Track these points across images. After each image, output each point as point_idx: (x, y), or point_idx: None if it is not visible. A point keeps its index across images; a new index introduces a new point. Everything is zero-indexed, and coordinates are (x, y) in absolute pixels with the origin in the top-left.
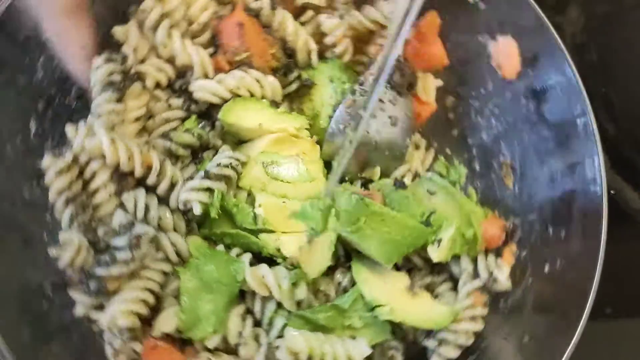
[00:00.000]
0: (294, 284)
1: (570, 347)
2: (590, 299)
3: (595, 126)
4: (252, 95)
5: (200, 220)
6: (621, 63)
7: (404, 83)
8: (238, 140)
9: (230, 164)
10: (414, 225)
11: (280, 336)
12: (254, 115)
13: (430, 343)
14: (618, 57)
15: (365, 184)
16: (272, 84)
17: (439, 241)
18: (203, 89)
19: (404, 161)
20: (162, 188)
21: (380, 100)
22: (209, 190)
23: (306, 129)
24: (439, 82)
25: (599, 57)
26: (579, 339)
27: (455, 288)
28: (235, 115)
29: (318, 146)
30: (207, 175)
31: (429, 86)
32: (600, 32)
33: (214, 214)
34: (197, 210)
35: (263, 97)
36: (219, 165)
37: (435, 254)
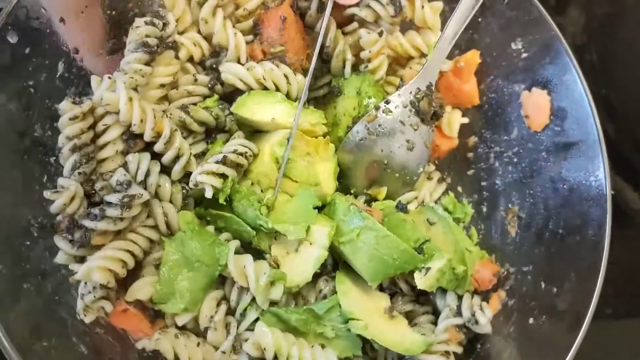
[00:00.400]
0: (272, 283)
1: None
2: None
3: (609, 193)
4: (277, 89)
5: (198, 198)
6: (621, 64)
7: (429, 111)
8: (253, 130)
9: (246, 152)
10: (405, 249)
11: (250, 329)
12: (267, 109)
13: None
14: (618, 58)
15: (370, 201)
16: (299, 82)
17: (427, 269)
18: (231, 71)
19: (412, 188)
20: (167, 157)
21: (402, 122)
22: (223, 176)
23: (323, 124)
24: (465, 120)
25: (599, 57)
26: None
27: (436, 322)
28: (248, 109)
29: (332, 145)
30: (224, 162)
31: (454, 121)
32: (600, 32)
33: (222, 199)
34: (209, 193)
35: (288, 93)
36: (235, 152)
37: (421, 281)
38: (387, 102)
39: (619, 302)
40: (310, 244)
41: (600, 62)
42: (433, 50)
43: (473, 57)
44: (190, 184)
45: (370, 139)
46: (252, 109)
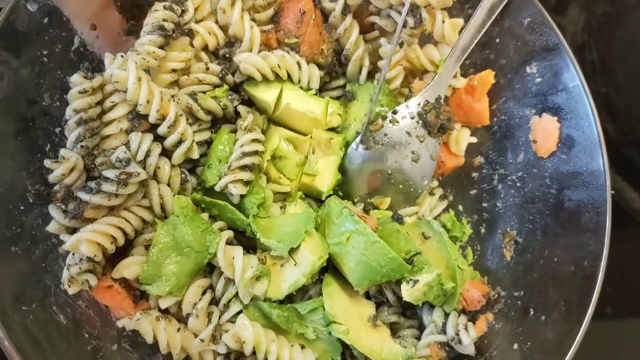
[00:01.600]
0: (258, 278)
1: None
2: None
3: (609, 226)
4: (289, 76)
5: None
6: (621, 63)
7: (436, 124)
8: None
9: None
10: (394, 257)
11: (232, 321)
12: (277, 91)
13: None
14: (618, 57)
15: (369, 210)
16: (311, 70)
17: (415, 282)
18: (248, 61)
19: (415, 202)
20: (170, 140)
21: (408, 134)
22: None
23: (339, 114)
24: (474, 140)
25: (599, 56)
26: None
27: (420, 338)
28: (260, 88)
29: (341, 141)
30: (250, 168)
31: (462, 139)
32: (600, 31)
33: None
34: (237, 200)
35: (299, 81)
36: (257, 152)
37: (407, 293)
38: (395, 112)
39: (619, 301)
40: (295, 265)
41: (600, 61)
42: (443, 64)
43: (487, 77)
44: (217, 188)
45: (376, 148)
46: (262, 88)
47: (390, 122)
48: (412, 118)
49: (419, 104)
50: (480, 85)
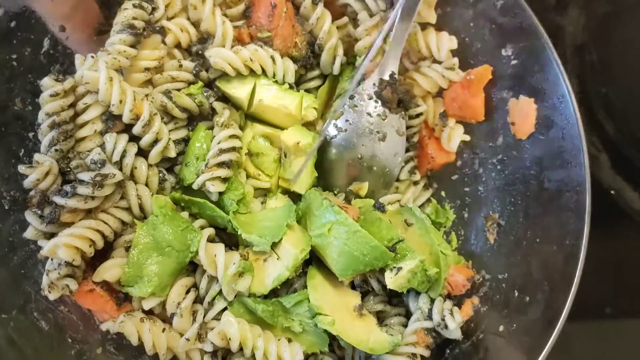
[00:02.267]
0: (241, 274)
1: None
2: None
3: (589, 204)
4: (264, 71)
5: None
6: (621, 63)
7: (393, 99)
8: (244, 112)
9: (237, 146)
10: (376, 245)
11: (217, 318)
12: (250, 87)
13: None
14: (618, 57)
15: (351, 200)
16: (286, 64)
17: (399, 269)
18: (219, 55)
19: (392, 185)
20: (145, 140)
21: (369, 114)
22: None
23: (314, 108)
24: (467, 137)
25: (598, 57)
26: None
27: (407, 325)
28: (232, 85)
29: (310, 141)
30: (227, 165)
31: (454, 136)
32: (600, 31)
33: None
34: (215, 197)
35: (274, 75)
36: (234, 148)
37: (391, 280)
38: (352, 98)
39: (618, 302)
40: (278, 259)
41: (600, 62)
42: (390, 41)
43: (484, 72)
44: (195, 186)
45: (341, 136)
46: (235, 84)
47: (349, 107)
48: (370, 99)
49: (373, 84)
50: (476, 80)
